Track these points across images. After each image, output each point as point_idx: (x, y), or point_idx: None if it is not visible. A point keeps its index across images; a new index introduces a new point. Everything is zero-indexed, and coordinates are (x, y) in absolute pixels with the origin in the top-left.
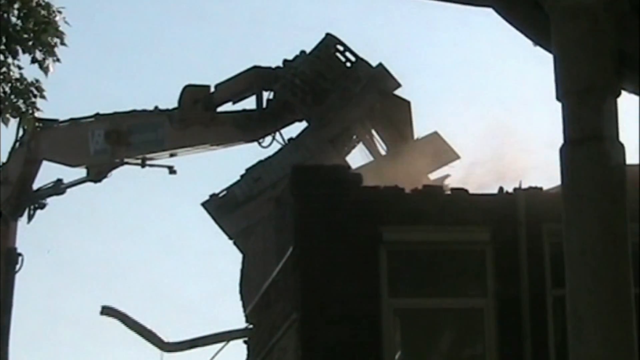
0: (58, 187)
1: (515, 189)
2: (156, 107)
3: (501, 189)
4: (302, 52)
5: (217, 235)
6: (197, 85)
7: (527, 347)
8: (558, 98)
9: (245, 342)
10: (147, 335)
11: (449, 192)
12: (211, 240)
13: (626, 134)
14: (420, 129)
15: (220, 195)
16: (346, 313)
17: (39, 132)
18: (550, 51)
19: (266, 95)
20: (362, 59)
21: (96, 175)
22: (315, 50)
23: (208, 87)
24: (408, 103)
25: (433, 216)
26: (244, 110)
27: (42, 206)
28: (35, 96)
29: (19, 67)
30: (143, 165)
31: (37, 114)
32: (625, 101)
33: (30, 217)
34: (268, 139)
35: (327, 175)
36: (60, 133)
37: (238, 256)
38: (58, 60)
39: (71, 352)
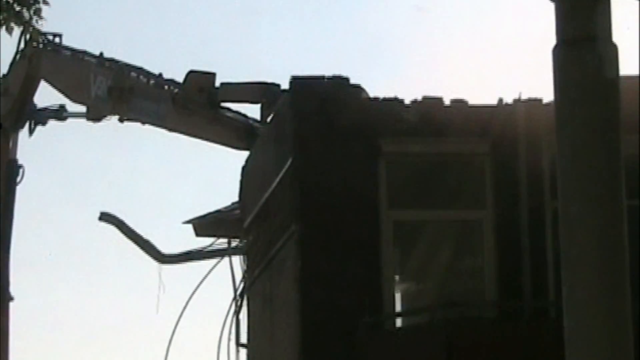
0: (60, 114)
1: (515, 100)
2: (160, 75)
3: (501, 100)
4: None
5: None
6: (202, 71)
7: (525, 259)
8: None
9: (244, 254)
10: (143, 245)
11: (448, 104)
12: (214, 157)
13: (627, 42)
14: None
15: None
16: (345, 224)
17: (42, 50)
18: None
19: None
20: None
21: (95, 116)
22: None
23: (214, 75)
24: None
25: (432, 128)
26: (247, 117)
27: (44, 122)
28: (37, 2)
29: None
30: (144, 123)
31: (41, 24)
32: (626, 6)
33: (31, 131)
34: None
35: (326, 87)
36: (63, 61)
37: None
38: None
39: (67, 260)
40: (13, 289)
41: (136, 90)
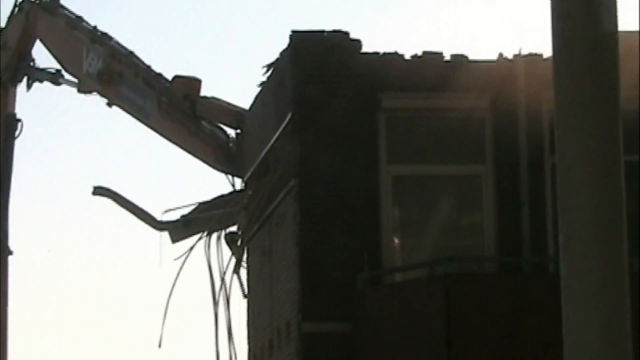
0: (56, 78)
1: (515, 56)
2: (149, 67)
3: (500, 55)
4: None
5: None
6: (187, 77)
7: (524, 213)
8: None
9: (243, 207)
10: (140, 214)
11: (448, 59)
12: None
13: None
14: None
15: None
16: (344, 180)
17: (39, 8)
18: None
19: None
20: None
21: (85, 90)
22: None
23: (199, 81)
24: None
25: (432, 83)
26: (229, 137)
27: (41, 80)
28: None
29: None
30: (130, 114)
31: None
32: None
33: (29, 86)
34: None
35: (326, 41)
36: (57, 28)
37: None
38: None
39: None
40: (12, 243)
41: (125, 77)
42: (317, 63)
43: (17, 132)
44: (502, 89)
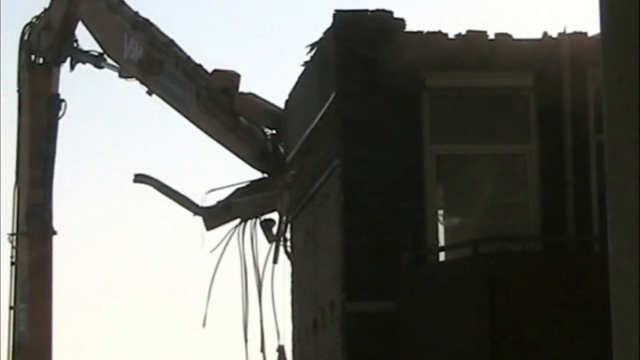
0: (99, 61)
1: (559, 34)
2: (189, 58)
3: (545, 33)
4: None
5: None
6: (226, 71)
7: (569, 193)
8: None
9: (287, 187)
10: (180, 200)
11: (492, 38)
12: None
13: None
14: None
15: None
16: (388, 159)
17: None
18: None
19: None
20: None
21: (126, 76)
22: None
23: (238, 76)
24: None
25: (476, 61)
26: (267, 137)
27: (84, 62)
28: None
29: None
30: (170, 105)
31: None
32: None
33: (72, 67)
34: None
35: (370, 20)
36: (100, 9)
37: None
38: None
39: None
40: (56, 223)
41: (165, 67)
42: (360, 42)
43: (60, 113)
44: (547, 67)
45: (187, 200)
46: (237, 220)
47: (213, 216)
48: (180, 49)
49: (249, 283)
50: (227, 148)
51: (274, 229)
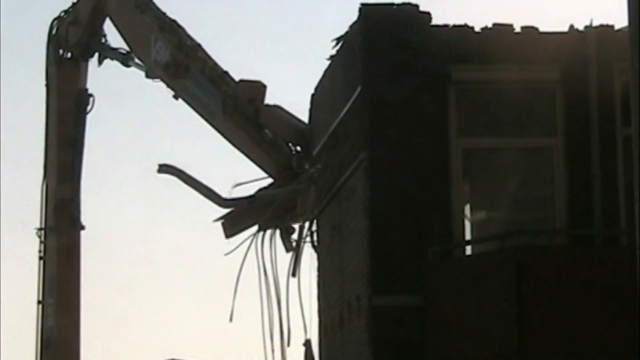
0: (127, 60)
1: (586, 27)
2: (215, 64)
3: (571, 26)
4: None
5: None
6: (252, 81)
7: (596, 186)
8: None
9: (313, 182)
10: (205, 191)
11: (518, 31)
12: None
13: None
14: None
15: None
16: (414, 153)
17: None
18: None
19: None
20: None
21: (152, 77)
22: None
23: (264, 87)
24: None
25: (503, 55)
26: (292, 152)
27: (112, 58)
28: None
29: None
30: (195, 111)
31: None
32: None
33: (100, 61)
34: None
35: (396, 13)
36: (127, 7)
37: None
38: None
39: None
40: (84, 218)
41: (191, 72)
42: (386, 36)
43: (88, 107)
44: (573, 60)
45: (211, 192)
46: (256, 227)
47: (232, 223)
48: (207, 54)
49: (270, 288)
50: (251, 160)
51: (293, 237)
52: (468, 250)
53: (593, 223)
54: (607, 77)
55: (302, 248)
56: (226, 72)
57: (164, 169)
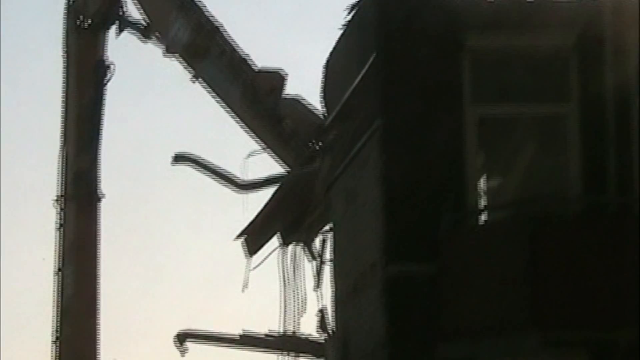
0: (146, 33)
1: None
2: (234, 49)
3: None
4: None
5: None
6: (272, 71)
7: (611, 152)
8: None
9: (327, 150)
10: (221, 176)
11: None
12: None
13: None
14: None
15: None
16: (429, 120)
17: None
18: None
19: None
20: None
21: (171, 54)
22: None
23: (284, 77)
24: None
25: (517, 21)
26: (308, 148)
27: (131, 29)
28: None
29: None
30: (214, 95)
31: None
32: None
33: (118, 33)
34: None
35: None
36: None
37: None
38: None
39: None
40: (103, 188)
41: (210, 55)
42: (400, 3)
43: (107, 78)
44: (589, 26)
45: (228, 178)
46: (280, 240)
47: (253, 239)
48: (226, 38)
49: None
50: (269, 150)
51: (315, 247)
52: (483, 218)
53: (607, 191)
54: (623, 44)
55: (325, 262)
56: (244, 59)
57: (180, 158)
